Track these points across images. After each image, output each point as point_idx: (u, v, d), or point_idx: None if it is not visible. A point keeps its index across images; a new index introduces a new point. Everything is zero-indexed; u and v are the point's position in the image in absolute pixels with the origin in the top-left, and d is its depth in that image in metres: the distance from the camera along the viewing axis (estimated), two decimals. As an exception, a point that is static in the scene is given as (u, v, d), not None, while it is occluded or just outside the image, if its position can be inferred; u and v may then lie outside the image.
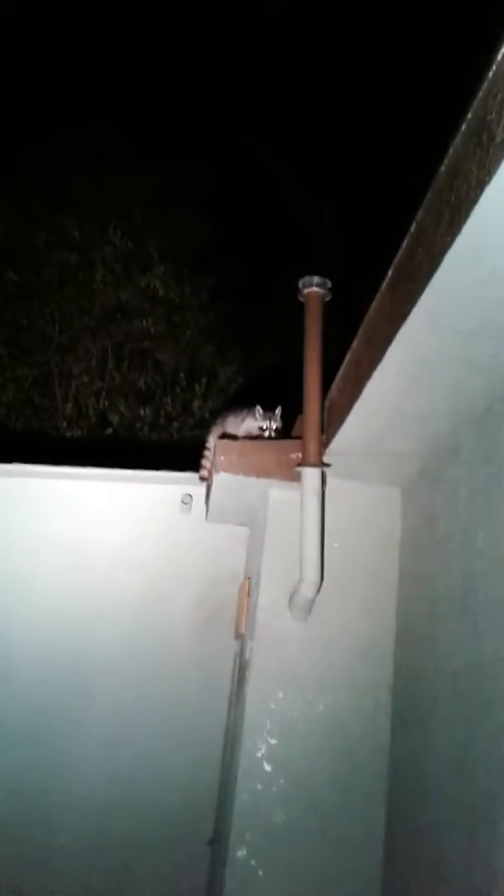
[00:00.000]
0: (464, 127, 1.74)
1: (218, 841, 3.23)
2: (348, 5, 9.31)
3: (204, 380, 8.65)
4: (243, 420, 3.52)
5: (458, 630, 2.42)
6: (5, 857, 3.53)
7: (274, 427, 3.42)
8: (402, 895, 2.61)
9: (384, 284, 2.35)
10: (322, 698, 2.98)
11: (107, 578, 3.91)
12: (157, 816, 3.59)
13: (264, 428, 3.42)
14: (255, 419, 3.45)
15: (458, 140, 1.77)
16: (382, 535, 3.21)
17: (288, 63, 9.90)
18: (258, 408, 3.46)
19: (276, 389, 3.64)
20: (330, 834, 2.84)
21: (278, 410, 3.45)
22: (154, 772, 3.64)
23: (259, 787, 2.87)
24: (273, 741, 2.93)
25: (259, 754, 2.91)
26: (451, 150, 1.81)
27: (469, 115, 1.72)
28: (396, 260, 2.22)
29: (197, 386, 8.57)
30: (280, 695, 2.98)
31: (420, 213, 2.01)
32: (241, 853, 2.81)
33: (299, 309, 3.17)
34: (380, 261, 2.42)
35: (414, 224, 2.06)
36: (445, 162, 1.83)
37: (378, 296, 2.41)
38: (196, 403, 8.54)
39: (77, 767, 3.66)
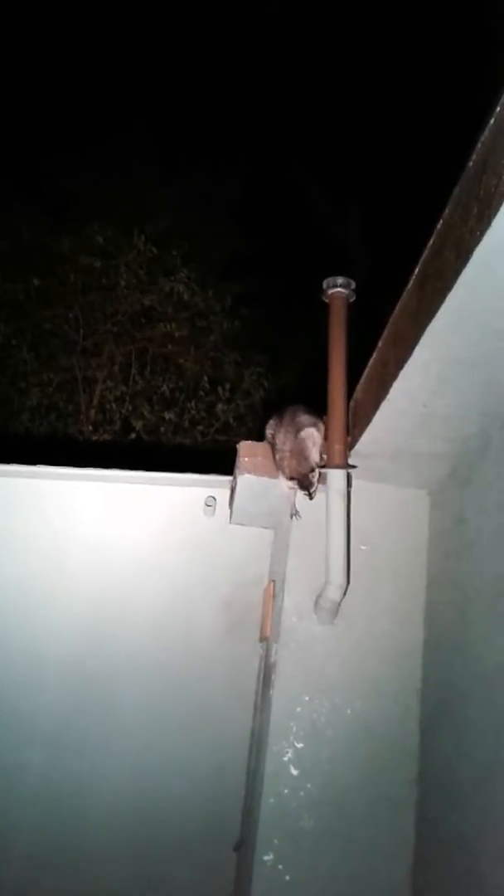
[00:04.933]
0: (492, 121, 1.72)
1: (244, 845, 3.20)
2: (368, 13, 9.31)
3: (228, 384, 8.66)
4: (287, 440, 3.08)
5: (489, 634, 2.38)
6: (32, 861, 3.53)
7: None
8: (433, 903, 2.57)
9: (411, 282, 2.32)
10: (349, 702, 2.94)
11: (131, 580, 3.90)
12: (183, 820, 3.57)
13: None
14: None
15: (486, 134, 1.75)
16: (410, 538, 3.17)
17: (311, 68, 9.92)
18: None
19: (301, 393, 3.59)
20: (358, 839, 2.80)
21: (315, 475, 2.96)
22: (180, 775, 3.62)
23: (286, 791, 2.84)
24: (300, 745, 2.90)
25: (286, 758, 2.88)
26: (479, 145, 1.79)
27: (497, 109, 1.69)
28: (423, 257, 2.19)
29: (221, 390, 8.58)
30: (306, 698, 2.95)
31: (448, 209, 1.99)
32: (268, 857, 2.78)
33: (323, 313, 3.15)
34: (405, 266, 2.40)
35: (441, 220, 2.04)
36: (474, 156, 1.81)
37: (404, 294, 2.38)
38: (220, 408, 8.56)
39: (103, 772, 3.65)
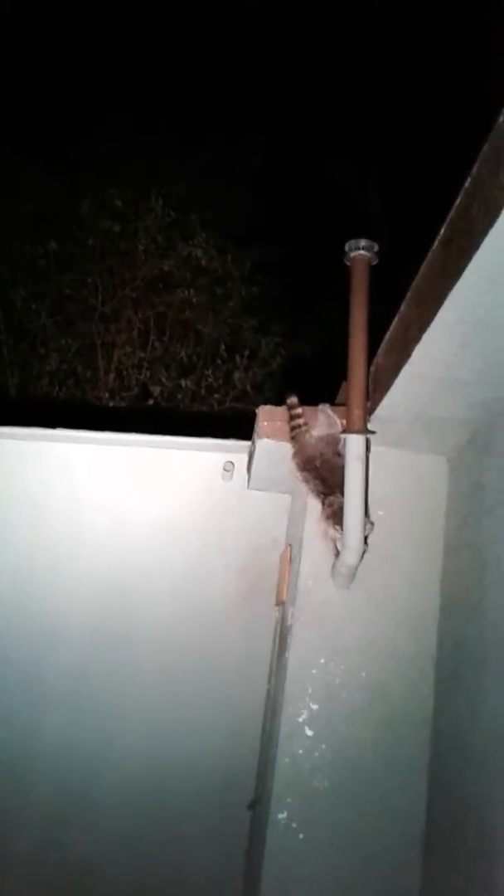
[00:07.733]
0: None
1: (259, 804, 3.25)
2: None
3: (246, 352, 8.62)
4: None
5: (505, 599, 2.38)
6: (49, 819, 3.62)
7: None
8: (444, 863, 2.60)
9: (436, 243, 2.27)
10: (365, 666, 2.96)
11: (148, 545, 3.93)
12: (198, 780, 3.63)
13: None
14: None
15: (518, 87, 1.70)
16: (427, 505, 3.16)
17: (332, 31, 9.70)
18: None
19: (319, 361, 3.55)
20: (371, 799, 2.84)
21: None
22: (195, 736, 3.68)
23: (300, 751, 2.88)
24: (315, 707, 2.92)
25: (300, 719, 2.91)
26: (510, 99, 1.74)
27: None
28: (450, 216, 2.14)
29: (238, 357, 8.54)
30: (322, 661, 2.97)
31: (476, 167, 1.94)
32: (282, 816, 2.82)
33: (344, 280, 3.10)
34: (425, 233, 2.35)
35: (469, 178, 1.99)
36: (504, 111, 1.76)
37: (429, 255, 2.34)
38: (237, 375, 8.52)
39: (119, 732, 3.71)
